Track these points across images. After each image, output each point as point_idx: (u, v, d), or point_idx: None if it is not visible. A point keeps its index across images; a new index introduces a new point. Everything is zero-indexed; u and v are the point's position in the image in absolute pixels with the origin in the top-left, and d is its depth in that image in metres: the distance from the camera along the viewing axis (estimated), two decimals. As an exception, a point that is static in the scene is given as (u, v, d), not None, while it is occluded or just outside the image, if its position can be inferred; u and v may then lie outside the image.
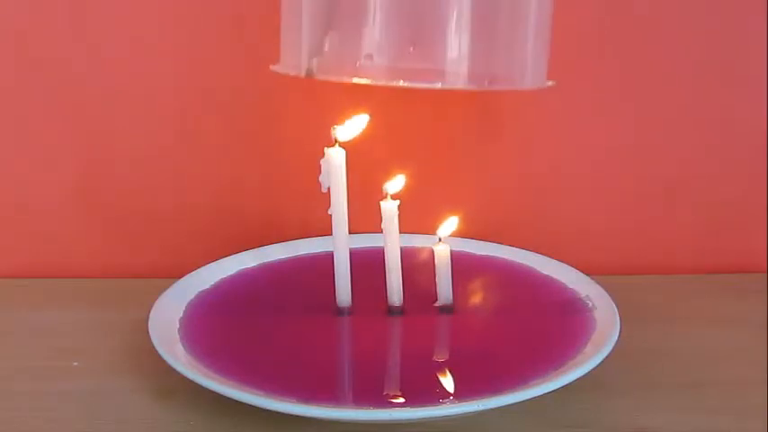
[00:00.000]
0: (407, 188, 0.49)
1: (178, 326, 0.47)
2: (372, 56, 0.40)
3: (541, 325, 0.48)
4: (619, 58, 0.60)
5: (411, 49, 0.41)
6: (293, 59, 0.43)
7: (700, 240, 0.63)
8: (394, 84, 0.40)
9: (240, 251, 0.55)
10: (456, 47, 0.41)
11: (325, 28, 0.41)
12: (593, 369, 0.41)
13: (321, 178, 0.47)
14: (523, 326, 0.49)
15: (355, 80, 0.40)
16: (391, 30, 0.41)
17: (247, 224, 0.62)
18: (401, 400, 0.41)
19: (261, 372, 0.43)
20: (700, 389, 0.46)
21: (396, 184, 0.48)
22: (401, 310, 0.49)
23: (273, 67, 0.45)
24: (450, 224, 0.50)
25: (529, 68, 0.45)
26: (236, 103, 0.59)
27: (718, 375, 0.47)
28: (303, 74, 0.42)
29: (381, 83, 0.41)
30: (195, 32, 0.59)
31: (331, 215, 0.48)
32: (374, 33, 0.41)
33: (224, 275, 0.53)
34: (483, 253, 0.56)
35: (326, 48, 0.41)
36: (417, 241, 0.54)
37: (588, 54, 0.60)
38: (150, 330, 0.45)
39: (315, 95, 0.58)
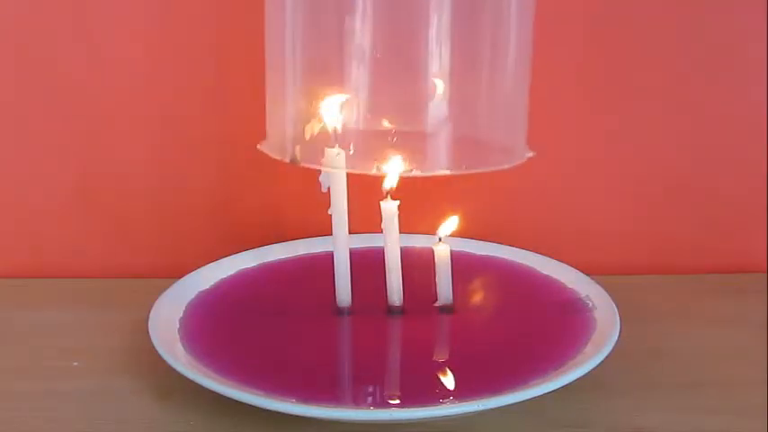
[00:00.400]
0: (407, 188, 0.49)
1: (178, 326, 0.47)
2: (352, 145, 0.43)
3: (541, 325, 0.48)
4: (618, 57, 0.60)
5: (390, 138, 0.43)
6: (278, 143, 0.45)
7: (700, 240, 0.63)
8: (374, 173, 0.42)
9: (240, 251, 0.55)
10: (434, 136, 0.43)
11: (307, 117, 0.43)
12: (593, 369, 0.41)
13: (321, 178, 0.47)
14: (523, 326, 0.49)
15: (337, 169, 0.43)
16: (371, 122, 0.42)
17: (247, 224, 0.62)
18: (401, 400, 0.41)
19: (261, 372, 0.43)
20: (700, 389, 0.46)
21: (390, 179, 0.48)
22: (401, 310, 0.49)
23: (260, 146, 0.47)
24: (450, 224, 0.50)
25: (507, 148, 0.46)
26: (236, 104, 0.59)
27: (718, 375, 0.47)
28: (288, 160, 0.44)
29: (361, 171, 0.43)
30: (195, 32, 0.59)
31: (331, 215, 0.48)
32: (354, 125, 0.43)
33: (224, 275, 0.53)
34: (483, 253, 0.56)
35: (308, 137, 0.44)
36: (417, 241, 0.54)
37: (588, 55, 0.60)
38: (150, 330, 0.45)
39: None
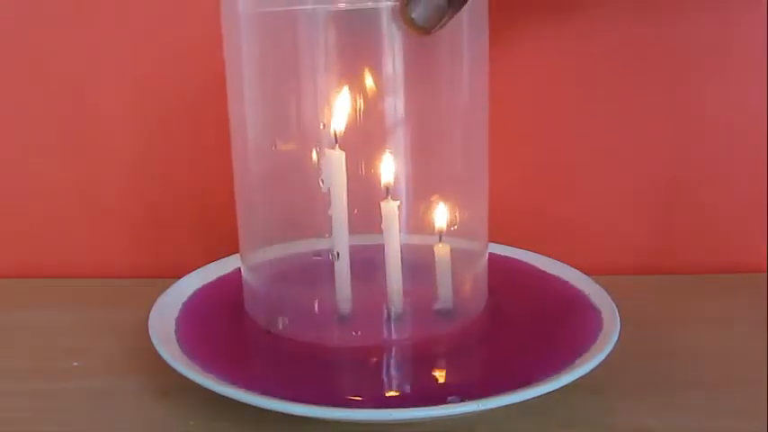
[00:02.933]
0: (407, 188, 0.49)
1: (178, 326, 0.47)
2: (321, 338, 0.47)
3: (541, 325, 0.48)
4: (617, 56, 0.60)
5: (353, 333, 0.46)
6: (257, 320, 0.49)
7: (700, 240, 0.63)
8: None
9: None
10: (393, 328, 0.47)
11: (278, 309, 0.47)
12: (594, 369, 0.41)
13: (321, 178, 0.47)
14: (523, 326, 0.49)
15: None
16: (334, 318, 0.47)
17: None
18: (401, 400, 0.41)
19: (261, 372, 0.43)
20: (700, 389, 0.46)
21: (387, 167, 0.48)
22: (401, 310, 0.49)
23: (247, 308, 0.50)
24: (441, 212, 0.50)
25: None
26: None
27: (719, 375, 0.47)
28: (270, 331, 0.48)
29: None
30: (193, 31, 0.59)
31: (331, 215, 0.48)
32: (319, 321, 0.47)
33: (224, 275, 0.53)
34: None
35: (280, 326, 0.47)
36: (417, 241, 0.54)
37: (587, 54, 0.60)
38: (150, 330, 0.45)
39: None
